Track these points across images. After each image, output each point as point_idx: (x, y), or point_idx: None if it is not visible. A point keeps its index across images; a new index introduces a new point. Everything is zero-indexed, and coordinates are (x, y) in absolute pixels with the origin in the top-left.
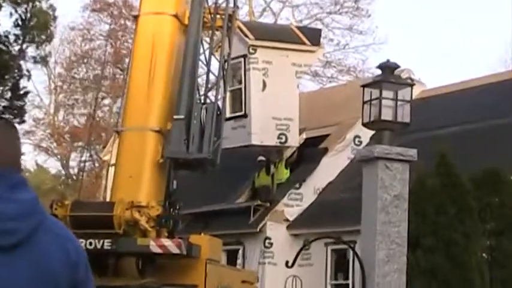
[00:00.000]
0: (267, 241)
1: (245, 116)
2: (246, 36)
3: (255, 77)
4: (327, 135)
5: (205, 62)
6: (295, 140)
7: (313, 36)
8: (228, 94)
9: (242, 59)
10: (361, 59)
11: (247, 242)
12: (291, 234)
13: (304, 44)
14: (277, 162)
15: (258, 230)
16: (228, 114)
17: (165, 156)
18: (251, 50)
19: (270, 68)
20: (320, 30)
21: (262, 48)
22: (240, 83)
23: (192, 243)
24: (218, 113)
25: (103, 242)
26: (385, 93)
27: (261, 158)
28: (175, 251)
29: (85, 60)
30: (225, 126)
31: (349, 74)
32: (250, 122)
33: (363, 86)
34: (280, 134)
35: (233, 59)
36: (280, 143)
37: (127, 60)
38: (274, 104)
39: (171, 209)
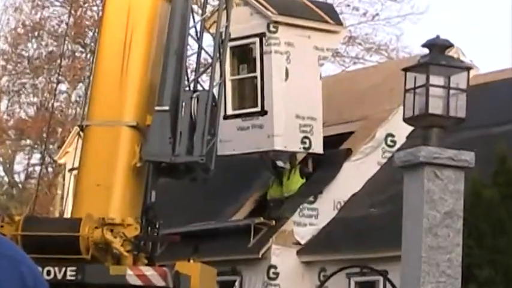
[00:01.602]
0: (272, 270)
1: (263, 113)
2: (267, 9)
3: (277, 63)
4: (351, 133)
5: (196, 38)
6: (319, 145)
7: (332, 13)
8: (228, 82)
9: (257, 39)
10: (395, 34)
11: (246, 271)
12: (302, 262)
13: (326, 22)
14: (289, 170)
15: (259, 255)
16: (230, 110)
17: (143, 159)
18: (272, 28)
19: (292, 52)
20: (332, 5)
21: (284, 26)
22: (250, 70)
23: (180, 272)
24: (213, 104)
25: (65, 271)
26: (433, 80)
27: (280, 163)
28: (160, 282)
29: (36, 34)
30: (227, 126)
31: (379, 54)
32: (272, 121)
33: (405, 70)
34: (303, 138)
35: (244, 38)
36: (304, 148)
37: (91, 33)
38: (297, 98)
39: (149, 228)
